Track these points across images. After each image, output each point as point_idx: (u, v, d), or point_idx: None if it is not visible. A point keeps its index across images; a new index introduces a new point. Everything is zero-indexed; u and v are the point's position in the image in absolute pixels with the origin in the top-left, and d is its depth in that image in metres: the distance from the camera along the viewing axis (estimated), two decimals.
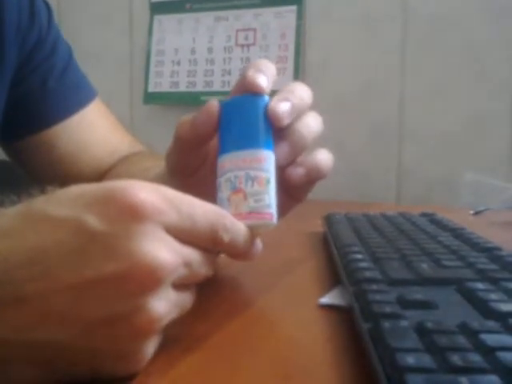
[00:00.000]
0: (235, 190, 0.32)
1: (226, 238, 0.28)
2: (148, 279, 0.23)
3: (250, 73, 0.35)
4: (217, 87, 1.21)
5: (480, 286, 0.31)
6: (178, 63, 1.26)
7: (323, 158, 0.38)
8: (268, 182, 0.32)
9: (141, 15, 1.31)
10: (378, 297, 0.29)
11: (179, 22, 1.26)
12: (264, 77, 0.35)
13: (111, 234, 0.23)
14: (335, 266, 0.41)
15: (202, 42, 1.24)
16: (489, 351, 0.22)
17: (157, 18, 1.29)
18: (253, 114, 0.34)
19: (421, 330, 0.24)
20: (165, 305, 0.25)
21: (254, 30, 1.19)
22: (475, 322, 0.25)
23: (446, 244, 0.43)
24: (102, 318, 0.23)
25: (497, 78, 1.01)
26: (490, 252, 0.40)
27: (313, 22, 1.15)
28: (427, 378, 0.20)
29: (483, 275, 0.34)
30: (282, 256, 0.50)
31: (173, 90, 1.26)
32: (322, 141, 0.39)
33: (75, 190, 0.25)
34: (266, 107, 0.34)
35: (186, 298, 0.28)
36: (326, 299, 0.36)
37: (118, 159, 0.61)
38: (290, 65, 1.14)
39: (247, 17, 1.20)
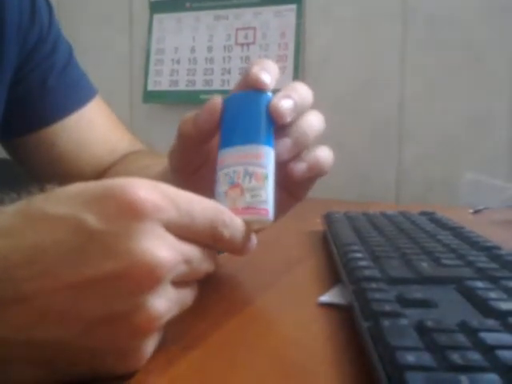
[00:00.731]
0: (233, 185, 0.32)
1: (226, 233, 0.28)
2: (147, 278, 0.23)
3: (254, 70, 0.35)
4: (216, 86, 1.21)
5: (479, 284, 0.31)
6: (178, 62, 1.26)
7: (324, 154, 0.38)
8: (266, 177, 0.32)
9: (140, 14, 1.31)
10: (377, 295, 0.29)
11: (179, 20, 1.26)
12: (267, 74, 0.35)
13: (110, 233, 0.23)
14: (335, 265, 0.41)
15: (201, 41, 1.24)
16: (488, 350, 0.22)
17: (156, 16, 1.29)
18: (255, 109, 0.34)
19: (421, 329, 0.25)
20: (164, 303, 0.25)
21: (254, 28, 1.19)
22: (475, 320, 0.25)
23: (445, 243, 0.43)
24: (101, 317, 0.23)
25: (497, 78, 1.01)
26: (490, 251, 0.40)
27: (312, 20, 1.15)
28: (427, 377, 0.20)
29: (483, 274, 0.34)
30: (282, 254, 0.50)
31: (172, 88, 1.26)
32: (321, 140, 0.39)
33: (74, 188, 0.25)
34: (268, 104, 0.34)
35: (186, 295, 0.28)
36: (325, 298, 0.36)
37: (118, 157, 0.61)
38: (289, 64, 1.14)
39: (247, 15, 1.19)
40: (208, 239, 0.28)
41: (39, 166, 0.60)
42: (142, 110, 1.31)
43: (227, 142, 0.34)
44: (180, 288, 0.27)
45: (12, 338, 0.23)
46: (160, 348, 0.27)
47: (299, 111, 0.36)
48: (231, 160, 0.33)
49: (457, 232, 0.48)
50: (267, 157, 0.33)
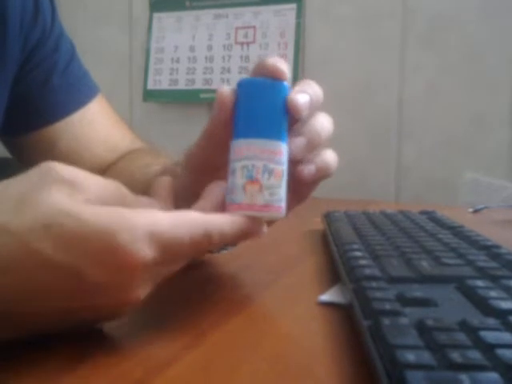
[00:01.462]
0: (252, 180, 0.32)
1: (217, 240, 0.30)
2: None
3: (271, 60, 0.34)
4: (216, 85, 1.21)
5: (480, 283, 0.31)
6: (178, 61, 1.26)
7: (331, 157, 0.38)
8: (283, 175, 0.33)
9: (140, 13, 1.31)
10: (377, 294, 0.29)
11: (179, 19, 1.26)
12: (284, 66, 0.34)
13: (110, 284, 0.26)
14: (335, 264, 0.41)
15: (201, 40, 1.24)
16: (488, 348, 0.22)
17: (156, 15, 1.29)
18: (275, 100, 0.33)
19: (421, 327, 0.25)
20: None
21: (254, 27, 1.18)
22: (475, 319, 0.25)
23: (445, 242, 0.43)
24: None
25: (497, 77, 1.01)
26: (490, 250, 0.40)
27: (312, 20, 1.15)
28: (427, 375, 0.20)
29: (483, 273, 0.34)
30: (282, 254, 0.50)
31: (172, 87, 1.26)
32: None
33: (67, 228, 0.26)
34: (286, 96, 0.33)
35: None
36: (325, 297, 0.36)
37: (119, 156, 0.61)
38: (289, 63, 1.14)
39: (247, 15, 1.19)
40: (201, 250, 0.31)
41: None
42: (141, 108, 1.31)
43: (245, 132, 0.33)
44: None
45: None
46: (160, 347, 0.27)
47: (313, 108, 0.36)
48: (250, 153, 0.32)
49: (456, 231, 0.48)
50: (285, 154, 0.33)
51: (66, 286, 0.25)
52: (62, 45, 0.59)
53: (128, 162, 0.59)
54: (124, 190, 0.30)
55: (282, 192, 0.33)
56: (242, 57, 1.19)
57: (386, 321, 0.25)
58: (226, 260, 0.47)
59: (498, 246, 0.41)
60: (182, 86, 1.25)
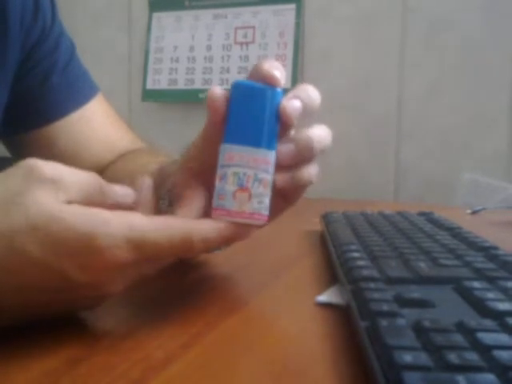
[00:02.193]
0: (242, 188, 0.32)
1: (198, 246, 0.30)
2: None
3: (267, 65, 0.34)
4: (215, 85, 1.21)
5: (477, 284, 0.31)
6: (177, 60, 1.26)
7: (315, 169, 0.36)
8: (269, 184, 0.33)
9: (139, 12, 1.31)
10: (375, 295, 0.29)
11: (178, 19, 1.26)
12: (280, 71, 0.34)
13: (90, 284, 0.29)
14: (333, 265, 0.41)
15: (200, 40, 1.24)
16: (486, 350, 0.22)
17: (155, 15, 1.29)
18: (267, 107, 0.33)
19: (418, 329, 0.25)
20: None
21: (253, 27, 1.18)
22: (472, 320, 0.25)
23: (443, 243, 0.43)
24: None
25: (496, 77, 1.01)
26: (487, 251, 0.40)
27: (312, 20, 1.15)
28: (424, 376, 0.20)
29: (480, 274, 0.34)
30: (280, 254, 0.50)
31: (171, 87, 1.26)
32: None
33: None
34: (278, 102, 0.33)
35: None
36: (323, 297, 0.36)
37: (119, 155, 0.61)
38: (288, 63, 1.14)
39: (246, 15, 1.19)
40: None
41: None
42: (140, 108, 1.31)
43: (236, 138, 0.33)
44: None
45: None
46: (158, 346, 0.27)
47: (307, 114, 0.35)
48: (241, 160, 0.32)
49: (454, 232, 0.48)
50: (274, 163, 0.33)
51: (52, 283, 0.27)
52: (62, 43, 0.59)
53: (127, 162, 0.59)
54: (101, 181, 0.31)
55: (268, 200, 0.33)
56: (241, 57, 1.19)
57: (384, 322, 0.25)
58: (224, 260, 0.47)
59: (495, 248, 0.41)
60: (181, 85, 1.25)
